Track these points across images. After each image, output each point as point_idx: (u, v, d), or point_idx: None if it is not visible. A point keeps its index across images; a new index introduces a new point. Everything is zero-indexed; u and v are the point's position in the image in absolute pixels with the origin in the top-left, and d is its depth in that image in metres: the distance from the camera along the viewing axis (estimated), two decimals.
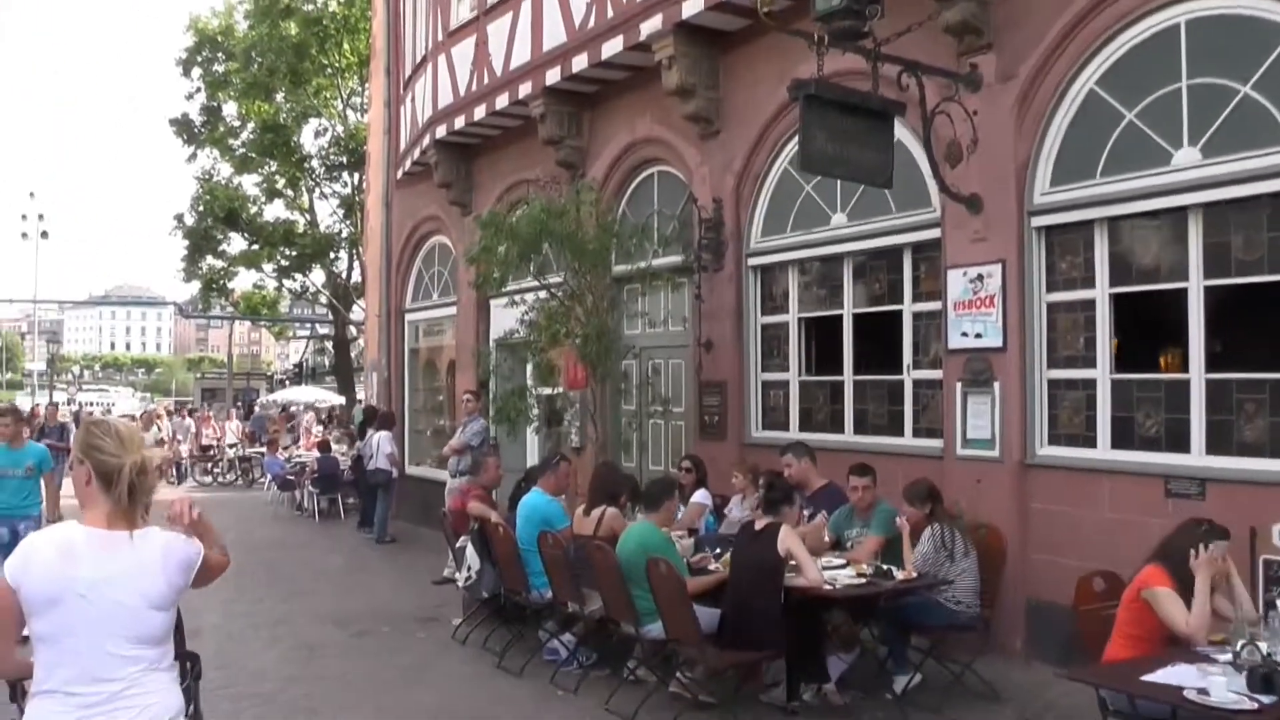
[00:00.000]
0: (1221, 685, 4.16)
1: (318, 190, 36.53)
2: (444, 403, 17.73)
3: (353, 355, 39.55)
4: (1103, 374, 7.91)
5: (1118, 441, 7.83)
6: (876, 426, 9.69)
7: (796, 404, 10.46)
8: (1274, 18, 6.90)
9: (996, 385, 8.35)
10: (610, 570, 7.05)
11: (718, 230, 10.90)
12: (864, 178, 8.14)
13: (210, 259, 37.06)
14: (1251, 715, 4.13)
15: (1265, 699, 4.20)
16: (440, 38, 14.97)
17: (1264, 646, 4.55)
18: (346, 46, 33.26)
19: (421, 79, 15.94)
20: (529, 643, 8.65)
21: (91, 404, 59.44)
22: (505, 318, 13.96)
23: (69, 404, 50.99)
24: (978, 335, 8.47)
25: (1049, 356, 8.28)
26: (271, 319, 48.08)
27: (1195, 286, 7.34)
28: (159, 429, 20.64)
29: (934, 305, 9.04)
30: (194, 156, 36.62)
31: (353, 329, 38.36)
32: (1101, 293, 7.92)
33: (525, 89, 12.88)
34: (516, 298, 11.27)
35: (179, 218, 36.02)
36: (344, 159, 34.41)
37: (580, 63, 11.91)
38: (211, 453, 28.28)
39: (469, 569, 8.85)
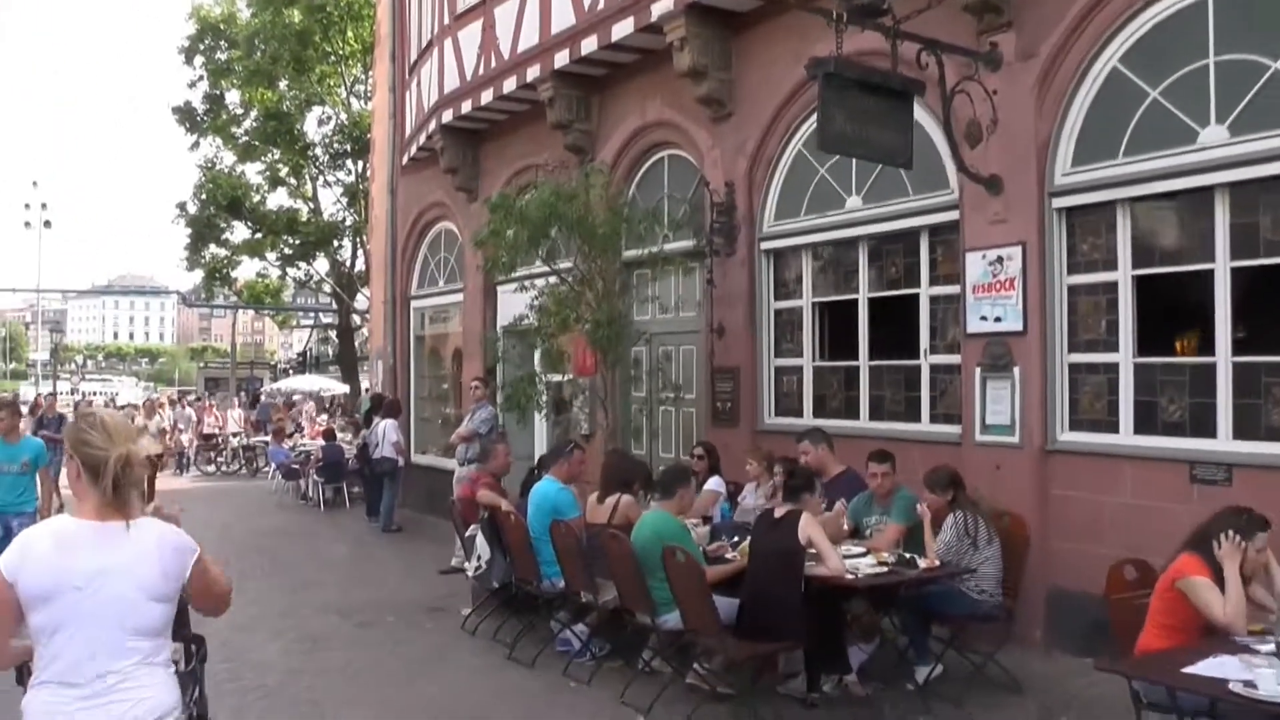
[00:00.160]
0: (1270, 678, 3.99)
1: (321, 178, 36.31)
2: (450, 390, 17.59)
3: (356, 344, 39.38)
4: (1125, 358, 7.75)
5: (1140, 427, 7.68)
6: (893, 412, 9.53)
7: (810, 390, 10.30)
8: None
9: (1016, 370, 8.18)
10: (625, 559, 6.88)
11: (730, 214, 10.74)
12: (883, 158, 7.97)
13: (213, 248, 36.79)
14: None
15: None
16: (446, 21, 14.78)
17: None
18: (350, 34, 33.06)
19: (427, 64, 15.77)
20: (540, 633, 8.50)
21: (95, 393, 59.22)
22: (513, 304, 13.81)
23: (72, 394, 50.91)
24: (997, 319, 8.31)
25: (1070, 340, 8.13)
26: (275, 308, 47.89)
27: (1222, 268, 7.17)
28: (161, 417, 20.50)
29: (952, 289, 8.88)
30: (196, 145, 36.36)
31: (356, 318, 38.21)
32: (1124, 275, 7.76)
33: (533, 72, 12.70)
34: (526, 283, 11.11)
35: (181, 206, 35.78)
36: (348, 147, 34.18)
37: (590, 45, 11.73)
38: (215, 442, 28.16)
39: (479, 558, 8.68)
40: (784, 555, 6.29)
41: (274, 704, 7.38)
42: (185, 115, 35.92)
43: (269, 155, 35.07)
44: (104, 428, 3.15)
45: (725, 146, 10.92)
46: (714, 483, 9.17)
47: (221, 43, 34.95)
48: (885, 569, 6.59)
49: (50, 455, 9.41)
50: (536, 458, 13.70)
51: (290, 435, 23.47)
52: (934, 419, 9.14)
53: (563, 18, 12.12)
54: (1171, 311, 8.08)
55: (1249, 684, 4.06)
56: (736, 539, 7.44)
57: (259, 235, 35.88)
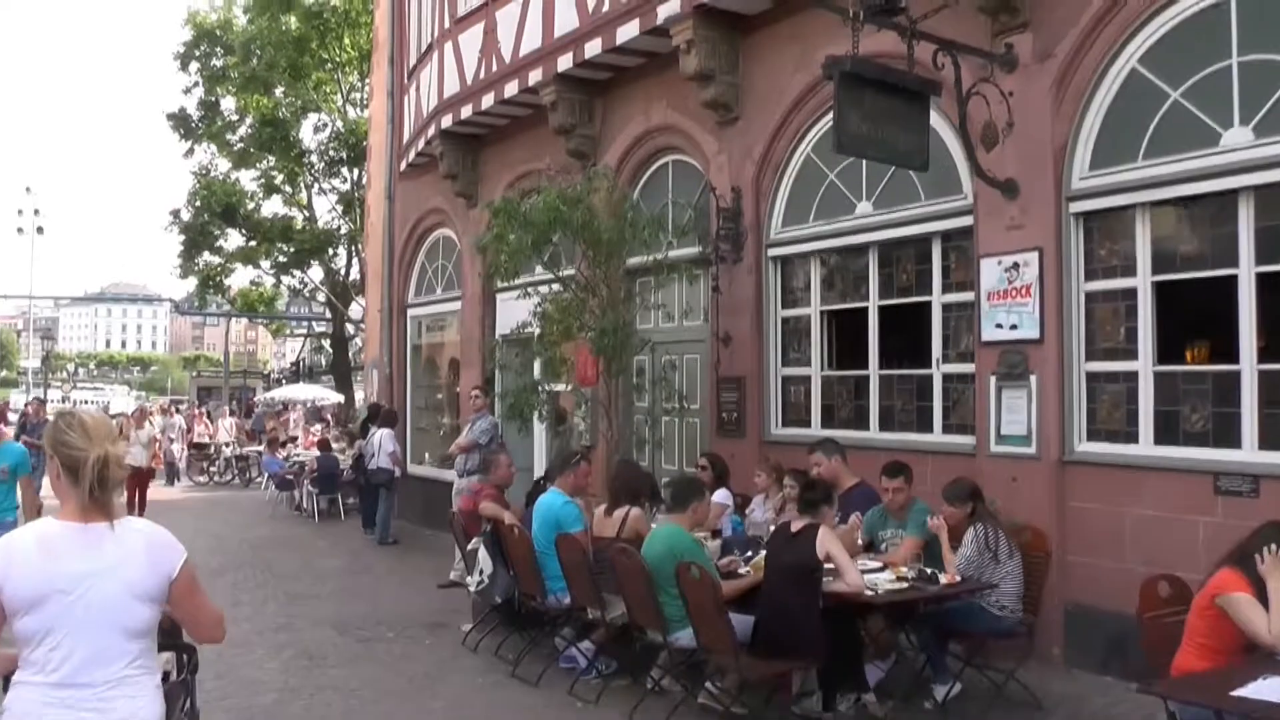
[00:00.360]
0: None
1: (316, 186, 36.17)
2: (446, 400, 17.37)
3: (351, 353, 39.18)
4: (1145, 366, 7.55)
5: (1161, 437, 7.48)
6: (904, 423, 9.32)
7: (819, 400, 10.09)
8: None
9: (1033, 379, 7.99)
10: (636, 574, 6.65)
11: (736, 220, 10.53)
12: (899, 160, 7.77)
13: (207, 255, 36.64)
14: None
15: None
16: (447, 25, 14.58)
17: None
18: (347, 40, 32.97)
19: (427, 68, 15.56)
20: (544, 650, 8.24)
21: (86, 401, 58.96)
22: (512, 312, 13.62)
23: (64, 401, 50.55)
24: (1013, 326, 8.11)
25: (1087, 348, 7.93)
26: (268, 316, 47.65)
27: (1246, 273, 7.00)
28: (151, 426, 20.22)
29: (965, 296, 8.68)
30: (191, 151, 36.23)
31: (350, 326, 38.00)
32: (1143, 281, 7.57)
33: (535, 76, 12.49)
34: (530, 290, 10.90)
35: (175, 213, 35.61)
36: (344, 154, 34.06)
37: (594, 48, 11.53)
38: (209, 451, 27.88)
39: (481, 573, 8.43)
40: (801, 570, 6.07)
41: None
42: (180, 121, 35.78)
43: (264, 162, 34.93)
44: (83, 428, 3.10)
45: (732, 151, 10.72)
46: (721, 495, 8.93)
47: (217, 49, 34.86)
48: (905, 585, 6.38)
49: (34, 462, 9.13)
50: (536, 469, 13.57)
51: (283, 445, 23.23)
52: (947, 429, 8.93)
53: (566, 20, 11.92)
54: (1193, 318, 7.90)
55: None
56: (750, 554, 7.21)
57: (253, 243, 35.74)
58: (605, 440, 10.99)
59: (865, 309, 9.63)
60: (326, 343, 44.26)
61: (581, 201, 10.04)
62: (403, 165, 17.58)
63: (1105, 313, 7.86)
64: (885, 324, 9.52)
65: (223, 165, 35.97)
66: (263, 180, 35.65)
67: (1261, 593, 4.74)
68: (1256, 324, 6.95)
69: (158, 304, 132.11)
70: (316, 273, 37.74)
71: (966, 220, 8.61)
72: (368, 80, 28.28)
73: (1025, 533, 7.16)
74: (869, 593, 6.15)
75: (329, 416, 33.64)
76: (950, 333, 8.93)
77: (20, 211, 56.67)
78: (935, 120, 8.25)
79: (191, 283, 39.00)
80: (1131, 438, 7.63)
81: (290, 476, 19.95)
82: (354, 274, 35.77)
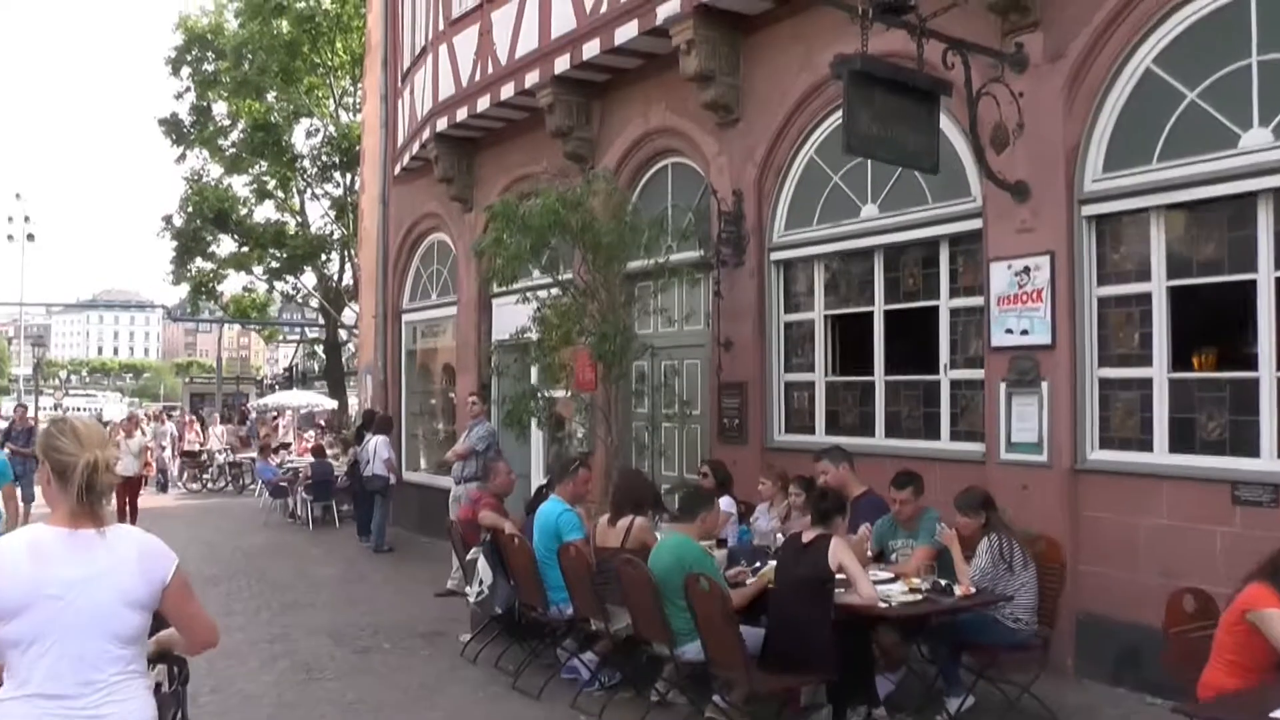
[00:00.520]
0: None
1: (309, 191, 35.99)
2: (440, 406, 17.20)
3: (344, 359, 38.99)
4: (1159, 372, 7.39)
5: (1177, 445, 7.32)
6: (910, 430, 9.15)
7: (823, 406, 9.92)
8: None
9: (1044, 385, 7.82)
10: (642, 586, 6.45)
11: (738, 223, 10.37)
12: (909, 161, 7.61)
13: (199, 261, 36.50)
14: None
15: None
16: (441, 27, 14.41)
17: None
18: (339, 45, 32.86)
19: (421, 70, 15.39)
20: (544, 661, 8.07)
21: (79, 409, 58.63)
22: (508, 317, 13.45)
23: (56, 408, 50.25)
24: (1023, 332, 7.95)
25: (1100, 354, 7.77)
26: (261, 322, 47.42)
27: (1265, 278, 6.84)
28: (142, 434, 20.00)
29: (974, 301, 8.52)
30: (183, 157, 36.08)
31: (344, 332, 37.82)
32: (1158, 285, 7.41)
33: (532, 78, 12.32)
34: (529, 294, 10.71)
35: (167, 219, 35.49)
36: (336, 159, 33.86)
37: (591, 49, 11.35)
38: (202, 458, 27.66)
39: (481, 583, 8.23)
40: (813, 582, 5.89)
41: None
42: (172, 127, 35.65)
43: (256, 167, 34.75)
44: (74, 434, 3.10)
45: (733, 153, 10.55)
46: (724, 503, 8.70)
47: (209, 54, 34.78)
48: (919, 596, 6.20)
49: (19, 470, 8.93)
50: (534, 476, 13.40)
51: (276, 451, 23.02)
52: (955, 437, 8.76)
53: (563, 21, 11.75)
54: (1209, 324, 7.73)
55: None
56: (758, 564, 7.02)
57: (245, 249, 35.59)
58: (604, 447, 10.82)
59: (870, 314, 9.46)
60: (320, 349, 44.08)
61: (581, 204, 9.86)
62: (397, 169, 17.40)
63: (1118, 318, 7.69)
64: (891, 329, 9.35)
65: (215, 171, 35.88)
66: (255, 186, 35.52)
67: None
68: (1276, 330, 6.79)
69: (150, 310, 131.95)
70: (309, 278, 37.61)
71: (975, 223, 8.45)
72: (360, 85, 28.18)
73: (1039, 543, 6.99)
74: (882, 605, 5.97)
75: (322, 422, 33.43)
76: (958, 338, 8.77)
77: (10, 218, 56.32)
78: (943, 122, 8.08)
79: (184, 289, 38.87)
80: (1146, 445, 7.46)
81: (284, 483, 19.72)
82: (347, 280, 35.61)
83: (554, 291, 10.69)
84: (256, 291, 40.81)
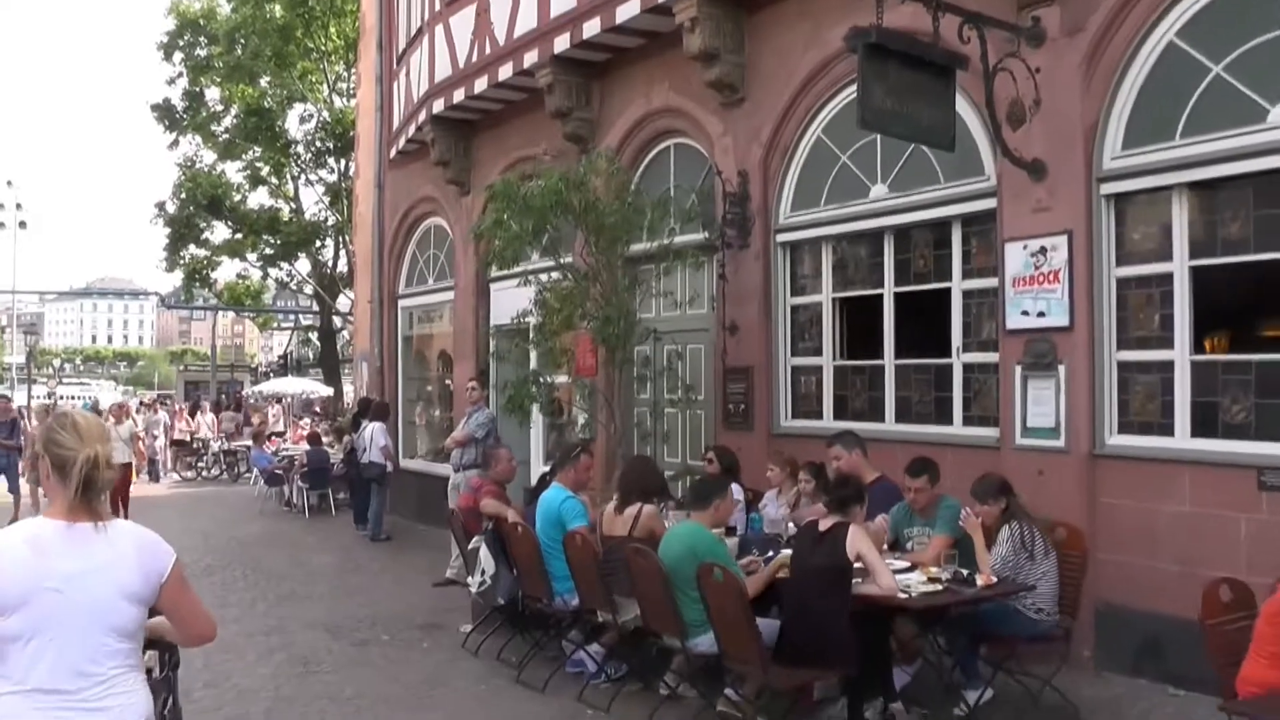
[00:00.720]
0: None
1: (303, 177, 35.77)
2: (438, 392, 16.98)
3: (339, 346, 38.77)
4: (1181, 355, 7.18)
5: (1199, 429, 7.10)
6: (921, 414, 8.93)
7: (830, 390, 9.71)
8: None
9: (1061, 368, 7.60)
10: (651, 576, 6.23)
11: (743, 205, 10.13)
12: (924, 137, 7.37)
13: (193, 248, 36.21)
14: None
15: None
16: (438, 7, 14.15)
17: None
18: (333, 29, 32.64)
19: (417, 52, 15.12)
20: (549, 653, 7.86)
21: (72, 397, 58.29)
22: (506, 302, 13.23)
23: (49, 397, 49.96)
24: (1040, 314, 7.73)
25: (1119, 336, 7.55)
26: (255, 309, 47.17)
27: None
28: (133, 421, 19.77)
29: (988, 282, 8.30)
30: (176, 143, 35.84)
31: (338, 319, 37.60)
32: (1180, 266, 7.19)
33: (531, 58, 12.06)
34: (531, 278, 10.48)
35: (160, 206, 35.21)
36: (330, 144, 33.67)
37: (592, 28, 11.10)
38: (194, 446, 27.43)
39: (483, 573, 8.00)
40: (831, 572, 5.67)
41: None
42: (165, 113, 35.42)
43: (250, 153, 34.49)
44: (74, 428, 3.10)
45: (738, 133, 10.31)
46: (732, 490, 8.53)
47: (201, 39, 34.53)
48: (939, 587, 5.98)
49: (4, 462, 8.69)
50: (534, 463, 13.19)
51: (269, 439, 22.79)
52: (968, 421, 8.55)
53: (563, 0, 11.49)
54: (1233, 305, 7.52)
55: None
56: (770, 553, 6.80)
57: (239, 235, 35.38)
58: (606, 433, 10.61)
59: (880, 296, 9.24)
60: (314, 336, 43.85)
61: (584, 185, 9.62)
62: (392, 153, 17.15)
63: (1138, 299, 7.48)
64: (901, 312, 9.12)
65: (208, 157, 35.65)
66: (248, 172, 35.25)
67: None
68: None
69: (144, 298, 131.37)
70: (304, 265, 37.36)
71: (989, 203, 8.22)
72: (354, 69, 27.93)
73: (1059, 530, 6.77)
74: (902, 595, 5.76)
75: (317, 409, 33.21)
76: (971, 320, 8.55)
77: (2, 205, 55.80)
78: (956, 99, 7.87)
79: (178, 277, 38.55)
80: (1167, 430, 7.25)
81: (279, 471, 19.49)
82: (342, 266, 35.41)
83: (554, 275, 10.44)
84: (251, 278, 40.54)
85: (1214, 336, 7.86)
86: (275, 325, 56.51)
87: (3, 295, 63.66)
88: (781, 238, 10.06)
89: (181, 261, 36.32)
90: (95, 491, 3.06)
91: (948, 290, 8.69)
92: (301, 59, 33.17)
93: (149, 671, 3.41)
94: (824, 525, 5.89)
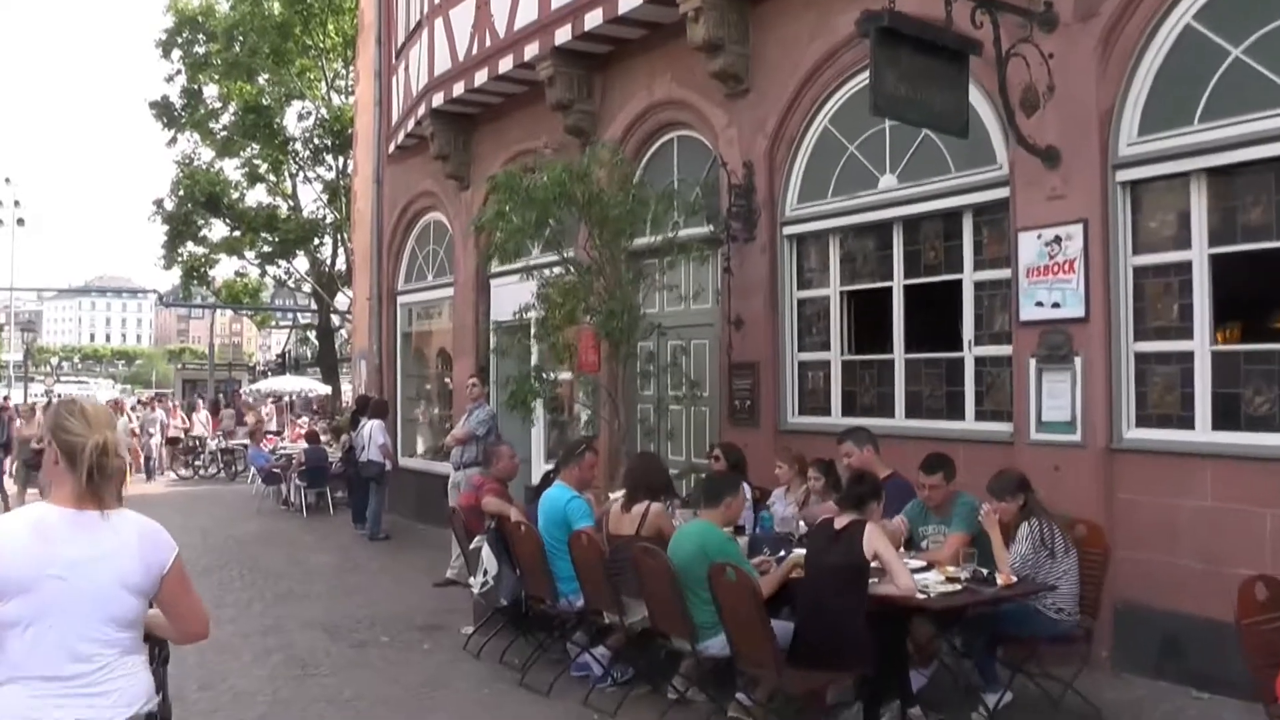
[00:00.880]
0: None
1: (301, 175, 35.60)
2: (437, 390, 16.79)
3: (337, 345, 38.61)
4: (1201, 345, 6.98)
5: (1220, 422, 6.91)
6: (932, 410, 8.74)
7: (839, 386, 9.51)
8: None
9: (1077, 360, 7.41)
10: (660, 576, 6.04)
11: (748, 197, 9.93)
12: (937, 123, 7.18)
13: (191, 245, 36.05)
14: None
15: None
16: (437, 0, 13.95)
17: None
18: (331, 27, 32.51)
19: (416, 46, 14.93)
20: (552, 656, 7.67)
21: (69, 396, 57.99)
22: (507, 298, 13.06)
23: (46, 395, 49.73)
24: (1055, 305, 7.54)
25: (1136, 327, 7.36)
26: (253, 307, 47.00)
27: None
28: (129, 418, 19.59)
29: (1000, 273, 8.12)
30: (174, 140, 35.70)
31: (336, 318, 37.44)
32: (1199, 254, 7.00)
33: (531, 50, 11.87)
34: (535, 273, 10.28)
35: (158, 203, 35.08)
36: (328, 142, 33.48)
37: (594, 19, 10.92)
38: (190, 444, 27.23)
39: (485, 573, 7.82)
40: (847, 572, 5.48)
41: None
42: (163, 110, 35.28)
43: (248, 150, 34.34)
44: (83, 415, 3.09)
45: (742, 125, 10.12)
46: (744, 488, 8.33)
47: (200, 36, 34.38)
48: (959, 586, 5.79)
49: None
50: (535, 460, 13.01)
51: (267, 436, 22.63)
52: (980, 416, 8.36)
53: None
54: (1254, 293, 7.33)
55: None
56: (782, 552, 6.61)
57: (237, 233, 35.25)
58: (609, 430, 10.42)
59: (889, 289, 9.04)
60: (312, 334, 43.68)
61: (587, 176, 9.42)
62: (391, 148, 16.95)
63: (1156, 288, 7.29)
64: (911, 305, 8.92)
65: (206, 154, 35.52)
66: (246, 169, 35.11)
67: None
68: None
69: (142, 297, 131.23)
70: (302, 263, 37.20)
71: (1001, 192, 8.03)
72: (352, 67, 27.78)
73: (1079, 527, 6.58)
74: (920, 596, 5.57)
75: (315, 407, 33.03)
76: (983, 312, 8.35)
77: (0, 203, 55.65)
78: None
79: (176, 275, 38.39)
80: (1186, 423, 7.06)
81: (277, 470, 19.31)
82: (340, 264, 35.25)
83: (557, 270, 10.24)
84: (249, 276, 40.38)
85: (1232, 326, 7.69)
86: (273, 324, 56.34)
87: (1, 293, 63.49)
88: (788, 230, 9.86)
89: (180, 259, 36.18)
90: (103, 478, 3.05)
91: (959, 282, 8.50)
92: (300, 56, 33.03)
93: None
94: (839, 523, 5.70)
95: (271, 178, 35.46)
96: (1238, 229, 6.92)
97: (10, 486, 18.92)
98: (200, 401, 32.82)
